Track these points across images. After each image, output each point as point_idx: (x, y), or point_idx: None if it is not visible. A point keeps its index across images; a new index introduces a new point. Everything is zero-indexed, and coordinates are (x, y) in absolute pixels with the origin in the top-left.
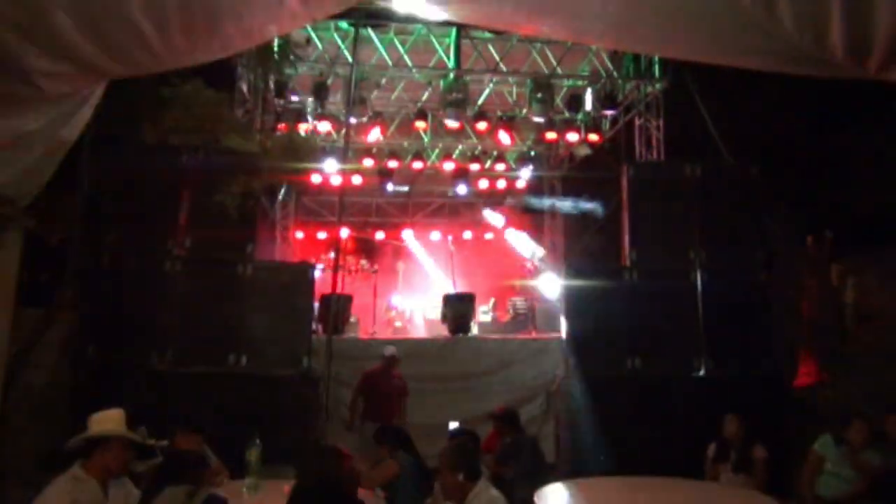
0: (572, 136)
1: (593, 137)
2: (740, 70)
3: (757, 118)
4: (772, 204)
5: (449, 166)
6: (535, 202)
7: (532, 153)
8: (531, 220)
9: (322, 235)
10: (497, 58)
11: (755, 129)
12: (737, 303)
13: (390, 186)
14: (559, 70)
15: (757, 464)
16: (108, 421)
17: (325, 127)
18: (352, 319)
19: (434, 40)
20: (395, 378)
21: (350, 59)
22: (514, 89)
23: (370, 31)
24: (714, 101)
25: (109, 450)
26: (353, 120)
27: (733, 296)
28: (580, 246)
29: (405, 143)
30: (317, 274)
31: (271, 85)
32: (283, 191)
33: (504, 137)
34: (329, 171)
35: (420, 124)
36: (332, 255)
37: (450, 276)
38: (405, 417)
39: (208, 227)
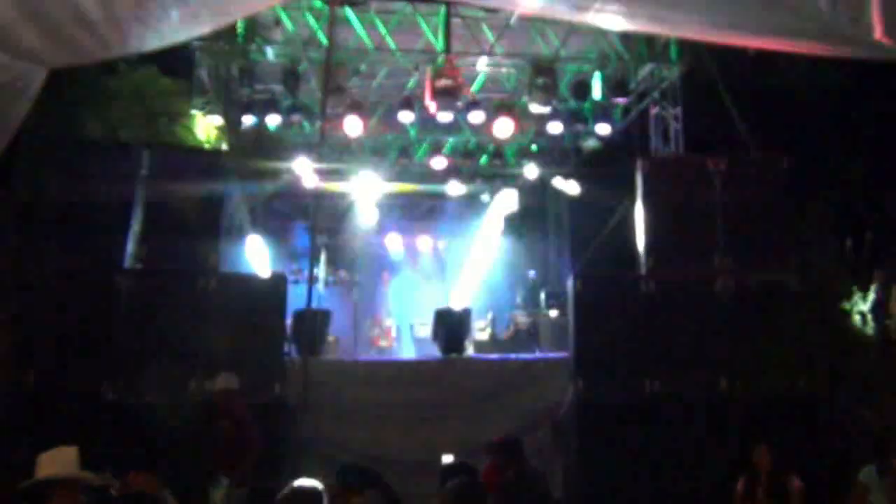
0: (579, 128)
1: (603, 129)
2: (768, 52)
3: (787, 106)
4: (805, 202)
5: (439, 163)
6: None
7: (533, 147)
8: (533, 223)
9: (296, 243)
10: (492, 39)
11: (785, 118)
12: (767, 315)
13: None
14: (563, 53)
15: (792, 496)
16: (60, 462)
17: (297, 120)
18: (330, 338)
19: (420, 19)
20: (224, 418)
21: (325, 42)
22: (513, 75)
23: (348, 10)
24: (739, 87)
25: (63, 494)
26: (329, 111)
27: (762, 307)
28: (590, 253)
29: (389, 137)
30: (289, 287)
31: (235, 72)
32: (250, 193)
33: (502, 129)
34: (302, 169)
35: (405, 115)
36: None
37: (442, 287)
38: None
39: (165, 236)
